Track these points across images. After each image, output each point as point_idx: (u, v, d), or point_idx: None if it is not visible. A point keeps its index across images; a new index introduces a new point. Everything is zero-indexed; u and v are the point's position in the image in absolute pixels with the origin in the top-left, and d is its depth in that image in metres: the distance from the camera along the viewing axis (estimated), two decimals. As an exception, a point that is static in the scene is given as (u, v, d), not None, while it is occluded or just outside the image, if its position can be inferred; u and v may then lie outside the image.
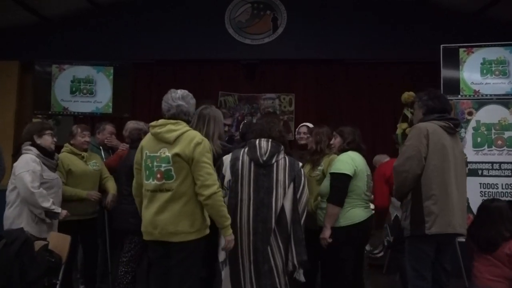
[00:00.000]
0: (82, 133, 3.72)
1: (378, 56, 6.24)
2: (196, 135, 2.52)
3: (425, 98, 2.76)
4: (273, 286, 2.55)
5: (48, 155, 3.24)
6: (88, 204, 3.62)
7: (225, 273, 2.62)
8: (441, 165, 2.58)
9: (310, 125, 4.00)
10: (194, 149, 2.43)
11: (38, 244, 2.80)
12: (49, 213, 3.07)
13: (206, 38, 6.37)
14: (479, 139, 4.39)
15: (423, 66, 6.05)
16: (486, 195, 4.26)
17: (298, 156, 3.74)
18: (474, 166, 4.37)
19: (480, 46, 4.67)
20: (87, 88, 5.49)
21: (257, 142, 2.70)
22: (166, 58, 6.52)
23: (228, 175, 2.66)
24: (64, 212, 3.19)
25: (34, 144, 3.22)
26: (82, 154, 3.68)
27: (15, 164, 3.18)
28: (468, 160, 4.36)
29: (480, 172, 4.36)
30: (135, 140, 3.55)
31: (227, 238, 2.50)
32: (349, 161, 2.91)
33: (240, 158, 2.67)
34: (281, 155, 2.70)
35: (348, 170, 2.88)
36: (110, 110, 5.51)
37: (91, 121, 5.41)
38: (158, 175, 2.46)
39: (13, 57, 6.30)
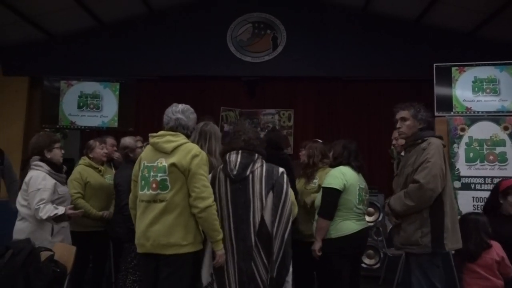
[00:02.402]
0: (101, 146, 3.88)
1: (375, 74, 6.43)
2: (194, 147, 2.50)
3: (424, 113, 2.80)
4: None
5: (58, 170, 3.28)
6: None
7: None
8: (450, 183, 2.73)
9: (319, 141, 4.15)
10: (191, 160, 2.42)
11: (44, 255, 2.86)
12: (55, 218, 3.10)
13: (208, 56, 6.60)
14: (471, 154, 4.52)
15: (418, 83, 6.24)
16: (479, 209, 4.36)
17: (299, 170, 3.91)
18: (467, 180, 4.50)
19: (472, 65, 4.84)
20: (94, 103, 5.70)
21: (227, 156, 2.55)
22: (170, 74, 6.74)
23: None
24: (66, 209, 3.12)
25: (44, 159, 3.24)
26: (100, 168, 3.85)
27: (25, 181, 3.18)
28: (461, 174, 4.52)
29: (473, 186, 4.48)
30: (124, 157, 3.78)
31: (218, 253, 2.43)
32: (339, 176, 2.99)
33: (217, 175, 2.53)
34: (257, 164, 2.50)
35: (337, 185, 2.95)
36: (116, 124, 5.70)
37: (97, 135, 5.58)
38: (154, 185, 2.44)
39: (22, 73, 6.55)
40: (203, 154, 2.52)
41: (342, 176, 2.98)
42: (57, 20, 6.23)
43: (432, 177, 2.57)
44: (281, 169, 2.54)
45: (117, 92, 5.71)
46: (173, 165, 2.43)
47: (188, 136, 2.63)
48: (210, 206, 2.40)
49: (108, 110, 5.67)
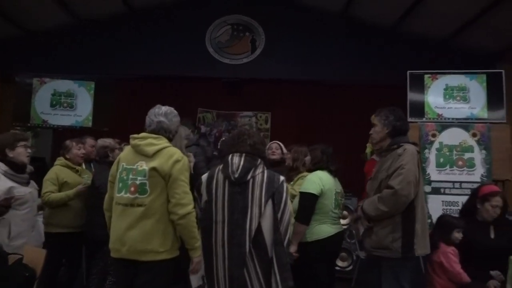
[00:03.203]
0: (78, 146, 3.81)
1: (352, 78, 6.51)
2: (176, 152, 2.45)
3: (391, 118, 2.81)
4: None
5: (18, 170, 3.09)
6: (78, 216, 3.66)
7: None
8: (422, 189, 2.78)
9: (280, 143, 4.20)
10: (173, 166, 2.37)
11: (12, 258, 2.79)
12: None
13: (187, 56, 6.56)
14: (441, 160, 4.65)
15: (393, 89, 6.35)
16: (448, 212, 4.50)
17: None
18: (437, 185, 4.63)
19: (444, 73, 4.98)
20: (67, 101, 5.59)
21: (229, 158, 2.48)
22: (148, 74, 6.66)
23: (204, 195, 2.48)
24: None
25: (4, 159, 3.08)
26: (77, 168, 3.78)
27: None
28: (431, 179, 4.64)
29: (442, 190, 4.61)
30: (102, 157, 3.74)
31: (195, 260, 2.41)
32: (317, 181, 3.03)
33: (215, 176, 2.45)
34: (258, 170, 2.45)
35: (314, 190, 2.99)
36: (90, 124, 5.61)
37: (70, 134, 5.48)
38: (132, 188, 2.38)
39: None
40: (185, 159, 2.48)
41: (319, 181, 3.03)
42: (34, 16, 6.09)
43: (407, 183, 2.59)
44: (281, 178, 2.50)
45: (92, 91, 5.61)
46: (153, 169, 2.37)
47: (170, 140, 2.57)
48: (190, 213, 2.36)
49: (82, 109, 5.57)
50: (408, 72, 5.02)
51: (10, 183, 3.01)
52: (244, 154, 2.47)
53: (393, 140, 2.80)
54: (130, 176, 2.41)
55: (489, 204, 3.14)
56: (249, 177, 2.41)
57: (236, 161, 2.45)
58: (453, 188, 4.60)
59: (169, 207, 2.38)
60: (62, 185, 3.64)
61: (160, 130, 2.53)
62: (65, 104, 5.57)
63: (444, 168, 4.65)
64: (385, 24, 6.37)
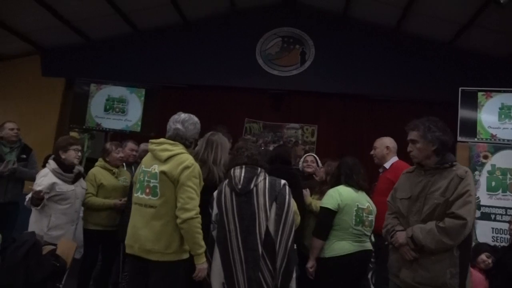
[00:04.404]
0: (117, 150, 4.02)
1: (400, 94, 6.32)
2: (187, 159, 2.52)
3: (437, 133, 2.41)
4: None
5: (66, 170, 3.43)
6: (112, 216, 3.86)
7: None
8: None
9: (315, 156, 4.20)
10: (182, 172, 2.45)
11: (46, 249, 3.04)
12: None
13: (236, 67, 6.70)
14: (493, 183, 4.34)
15: (442, 106, 6.04)
16: (498, 240, 4.16)
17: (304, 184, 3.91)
18: (487, 210, 4.31)
19: (499, 91, 4.65)
20: (119, 107, 5.89)
21: (231, 171, 2.65)
22: (196, 83, 6.87)
23: (215, 209, 2.62)
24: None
25: (56, 158, 3.47)
26: (114, 170, 3.97)
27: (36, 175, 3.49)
28: (482, 203, 4.34)
29: (493, 216, 4.29)
30: None
31: (199, 267, 2.46)
32: (335, 195, 2.97)
33: (223, 190, 2.61)
34: (260, 178, 2.60)
35: (330, 205, 2.94)
36: (139, 129, 5.86)
37: (121, 137, 5.77)
38: (147, 190, 2.52)
39: (59, 74, 6.91)
40: (196, 166, 2.56)
41: (337, 196, 2.96)
42: (96, 26, 6.55)
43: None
44: (283, 181, 2.63)
45: (143, 98, 5.87)
46: (163, 173, 2.48)
47: (187, 146, 2.65)
48: (193, 218, 2.42)
49: (133, 115, 5.84)
50: (460, 88, 4.77)
51: (54, 180, 3.36)
52: (244, 166, 2.63)
53: (444, 158, 2.41)
54: (146, 178, 2.55)
55: None
56: (252, 186, 2.56)
57: (238, 173, 2.61)
58: (505, 214, 4.25)
59: (176, 211, 2.47)
60: (98, 187, 3.84)
61: (176, 137, 2.62)
62: (117, 109, 5.88)
63: (495, 193, 4.33)
64: (438, 39, 6.10)
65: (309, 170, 4.15)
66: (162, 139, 2.65)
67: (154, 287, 2.47)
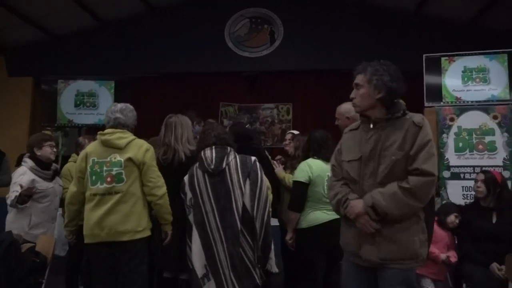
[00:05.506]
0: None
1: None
2: (143, 142, 2.71)
3: (385, 77, 1.97)
4: (254, 284, 2.57)
5: (43, 167, 3.41)
6: None
7: (208, 287, 2.57)
8: None
9: (296, 132, 4.19)
10: (145, 154, 2.64)
11: (25, 246, 3.03)
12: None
13: (206, 52, 6.68)
14: (460, 144, 4.44)
15: (410, 74, 6.12)
16: (468, 198, 4.30)
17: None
18: (456, 170, 4.43)
19: (461, 55, 4.74)
20: (90, 101, 5.84)
21: (201, 153, 2.67)
22: (168, 71, 6.83)
23: (189, 193, 2.66)
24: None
25: (32, 156, 3.41)
26: None
27: (12, 175, 3.44)
28: (451, 164, 4.45)
29: (462, 175, 4.41)
30: None
31: (169, 232, 2.73)
32: (306, 169, 3.02)
33: (195, 173, 2.65)
34: (231, 156, 2.65)
35: (302, 178, 3.00)
36: (112, 122, 5.79)
37: (95, 132, 5.71)
38: (109, 179, 2.61)
39: (26, 73, 6.78)
40: (152, 147, 2.73)
41: (308, 169, 3.01)
42: (58, 21, 6.41)
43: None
44: (253, 158, 2.71)
45: (112, 90, 5.82)
46: (129, 159, 2.62)
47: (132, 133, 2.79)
48: (166, 193, 2.69)
49: (104, 108, 5.75)
50: (424, 55, 4.83)
51: (33, 177, 3.30)
52: (213, 146, 2.67)
53: (394, 107, 2.00)
54: (104, 168, 2.63)
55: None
56: (224, 165, 2.61)
57: (208, 154, 2.64)
58: (474, 173, 4.37)
59: (147, 190, 2.66)
60: None
61: (118, 126, 2.71)
62: (88, 104, 5.82)
63: (463, 153, 4.45)
64: (403, 8, 6.18)
65: (287, 148, 4.20)
66: (111, 129, 2.71)
67: (126, 266, 2.59)
